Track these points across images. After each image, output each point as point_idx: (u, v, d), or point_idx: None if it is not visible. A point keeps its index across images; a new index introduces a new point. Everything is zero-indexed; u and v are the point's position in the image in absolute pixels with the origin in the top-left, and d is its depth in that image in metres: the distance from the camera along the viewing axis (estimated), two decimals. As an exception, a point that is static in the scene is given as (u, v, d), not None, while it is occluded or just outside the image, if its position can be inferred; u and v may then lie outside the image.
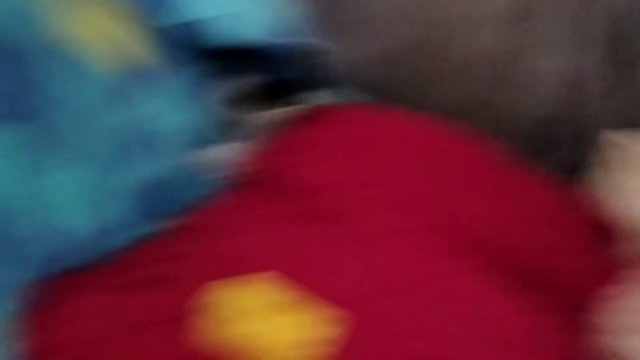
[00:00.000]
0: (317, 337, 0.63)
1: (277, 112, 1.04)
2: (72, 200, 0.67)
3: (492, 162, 0.97)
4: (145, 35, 0.83)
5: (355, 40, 1.24)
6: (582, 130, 1.12)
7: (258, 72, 1.05)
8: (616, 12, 1.12)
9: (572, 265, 0.85)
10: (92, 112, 0.74)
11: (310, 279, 0.70)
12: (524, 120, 1.14)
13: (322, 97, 1.10)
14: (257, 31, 0.93)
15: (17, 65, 0.68)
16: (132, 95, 0.80)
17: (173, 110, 0.83)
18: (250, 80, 1.06)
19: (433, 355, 0.66)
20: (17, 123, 0.64)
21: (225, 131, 0.99)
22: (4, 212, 0.62)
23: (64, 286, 0.64)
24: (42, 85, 0.69)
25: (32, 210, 0.64)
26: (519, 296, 0.78)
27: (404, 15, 1.21)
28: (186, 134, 0.84)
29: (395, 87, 1.20)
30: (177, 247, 0.74)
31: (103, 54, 0.78)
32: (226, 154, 0.94)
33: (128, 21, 0.82)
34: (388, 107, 1.06)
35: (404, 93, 1.21)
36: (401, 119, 1.00)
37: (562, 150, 1.12)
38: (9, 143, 0.62)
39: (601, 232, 0.90)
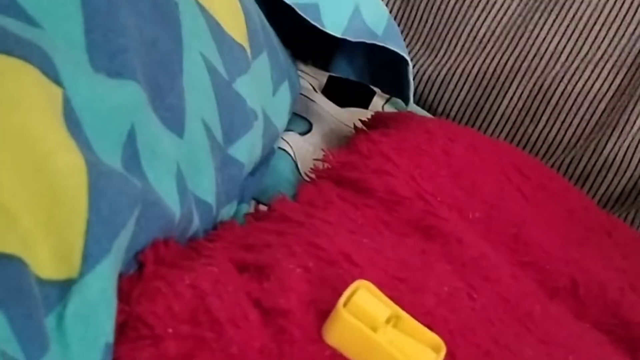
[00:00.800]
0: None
1: (356, 111, 0.99)
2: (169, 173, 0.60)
3: (589, 206, 0.92)
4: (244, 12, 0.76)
5: (436, 58, 1.22)
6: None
7: (341, 69, 1.00)
8: None
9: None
10: (220, 82, 0.67)
11: (409, 295, 0.64)
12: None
13: (390, 106, 1.06)
14: (359, 27, 0.87)
15: (168, 12, 0.61)
16: (257, 72, 0.74)
17: (257, 93, 0.76)
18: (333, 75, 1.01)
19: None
20: (142, 79, 0.56)
21: (303, 121, 0.93)
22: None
23: (152, 260, 0.57)
24: (184, 41, 0.62)
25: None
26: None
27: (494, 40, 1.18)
28: (266, 118, 0.78)
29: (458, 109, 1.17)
30: (266, 234, 0.67)
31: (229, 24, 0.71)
32: (304, 145, 0.88)
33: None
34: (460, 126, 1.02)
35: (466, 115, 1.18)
36: (484, 139, 0.95)
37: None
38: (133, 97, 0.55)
39: None
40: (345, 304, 0.55)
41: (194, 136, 0.62)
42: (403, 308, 0.58)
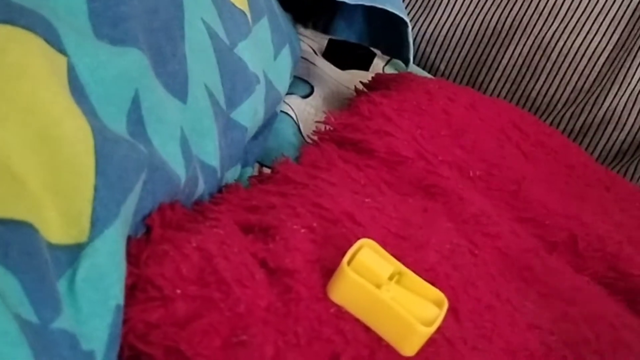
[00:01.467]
0: (429, 318, 0.58)
1: (357, 73, 0.99)
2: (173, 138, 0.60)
3: (587, 162, 0.92)
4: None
5: (435, 17, 1.22)
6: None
7: (341, 32, 1.00)
8: None
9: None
10: (222, 47, 0.68)
11: (412, 252, 0.65)
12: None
13: (390, 67, 1.06)
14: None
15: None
16: (258, 37, 0.74)
17: (258, 58, 0.77)
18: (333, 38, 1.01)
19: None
20: (144, 46, 0.57)
21: (304, 84, 0.94)
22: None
23: (159, 223, 0.57)
24: (185, 8, 0.63)
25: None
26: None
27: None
28: (268, 82, 0.78)
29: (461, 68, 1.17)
30: (270, 196, 0.68)
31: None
32: (306, 108, 0.89)
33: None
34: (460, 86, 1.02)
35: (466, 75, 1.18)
36: (483, 98, 0.96)
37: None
38: (136, 64, 0.56)
39: None
40: (349, 262, 0.56)
41: (197, 101, 0.62)
42: (406, 265, 0.59)
